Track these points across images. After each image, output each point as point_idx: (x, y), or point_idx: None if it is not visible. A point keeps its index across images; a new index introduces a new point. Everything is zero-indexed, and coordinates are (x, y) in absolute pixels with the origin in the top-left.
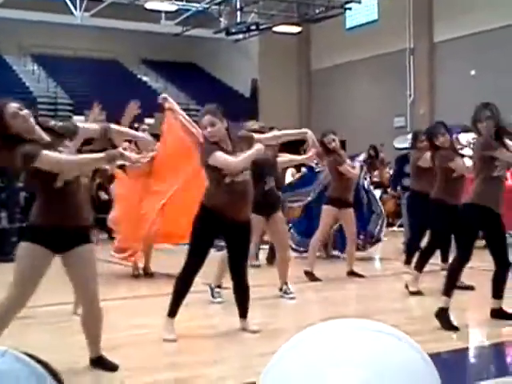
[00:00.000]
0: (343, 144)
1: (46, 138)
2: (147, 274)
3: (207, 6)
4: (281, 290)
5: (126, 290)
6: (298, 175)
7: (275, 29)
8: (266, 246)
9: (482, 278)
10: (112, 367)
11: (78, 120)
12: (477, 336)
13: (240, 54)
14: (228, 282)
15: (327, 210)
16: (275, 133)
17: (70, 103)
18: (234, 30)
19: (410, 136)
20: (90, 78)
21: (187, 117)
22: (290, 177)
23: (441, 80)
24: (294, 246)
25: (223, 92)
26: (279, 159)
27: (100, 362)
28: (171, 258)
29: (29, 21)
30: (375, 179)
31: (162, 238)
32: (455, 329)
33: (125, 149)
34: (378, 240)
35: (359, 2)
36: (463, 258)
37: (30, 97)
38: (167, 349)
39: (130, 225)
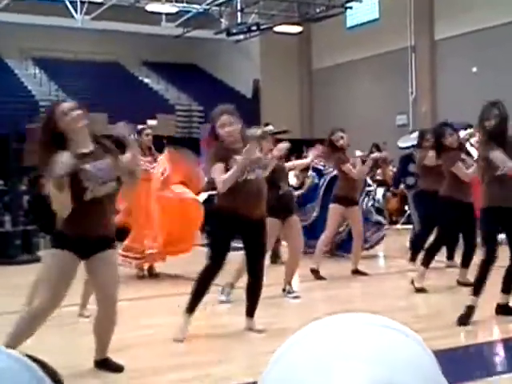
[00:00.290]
0: None
1: (90, 147)
2: (152, 274)
3: (208, 7)
4: (284, 290)
5: (132, 291)
6: (302, 180)
7: (276, 29)
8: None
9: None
10: (117, 368)
11: None
12: (483, 332)
13: (241, 55)
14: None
15: (334, 209)
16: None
17: None
18: (234, 31)
19: (413, 135)
20: (92, 81)
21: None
22: (293, 178)
23: (442, 78)
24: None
25: (225, 93)
26: (285, 164)
27: (105, 364)
28: (176, 259)
29: (30, 24)
30: (378, 177)
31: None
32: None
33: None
34: (372, 245)
35: (360, 1)
36: (490, 259)
37: (32, 100)
38: (173, 349)
39: (136, 226)
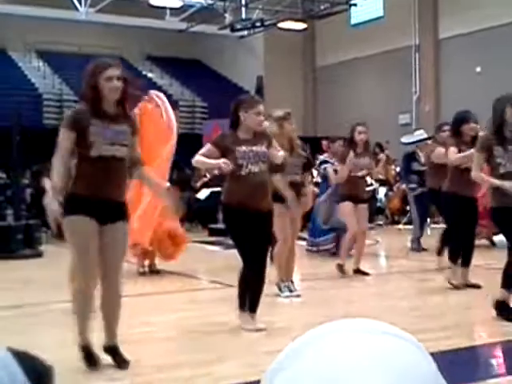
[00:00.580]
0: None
1: (113, 109)
2: (153, 271)
3: (212, 2)
4: (280, 289)
5: (132, 288)
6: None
7: (280, 25)
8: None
9: (487, 276)
10: (122, 362)
11: None
12: (485, 334)
13: (245, 51)
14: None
15: (344, 207)
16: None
17: (75, 100)
18: (238, 27)
19: (416, 133)
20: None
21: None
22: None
23: (446, 77)
24: (308, 247)
25: (228, 88)
26: None
27: (113, 353)
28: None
29: (33, 17)
30: (380, 176)
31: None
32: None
33: None
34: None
35: None
36: None
37: (36, 93)
38: (173, 347)
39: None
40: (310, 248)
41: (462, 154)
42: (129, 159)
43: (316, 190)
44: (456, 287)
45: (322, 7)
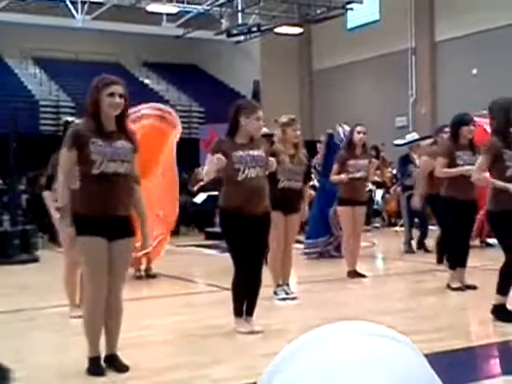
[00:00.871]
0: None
1: (113, 127)
2: (149, 275)
3: (208, 7)
4: (275, 293)
5: (129, 292)
6: None
7: (276, 30)
8: None
9: (483, 277)
10: (122, 368)
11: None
12: (480, 335)
13: (241, 56)
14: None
15: (342, 211)
16: None
17: (72, 106)
18: (235, 32)
19: (408, 135)
20: (92, 80)
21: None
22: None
23: (442, 79)
24: (306, 250)
25: (225, 93)
26: None
27: (112, 361)
28: (173, 259)
29: (30, 24)
30: (376, 179)
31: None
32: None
33: None
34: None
35: (361, 2)
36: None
37: (32, 100)
38: (169, 350)
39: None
40: (306, 251)
41: (446, 170)
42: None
43: (313, 193)
44: (457, 289)
45: (319, 11)
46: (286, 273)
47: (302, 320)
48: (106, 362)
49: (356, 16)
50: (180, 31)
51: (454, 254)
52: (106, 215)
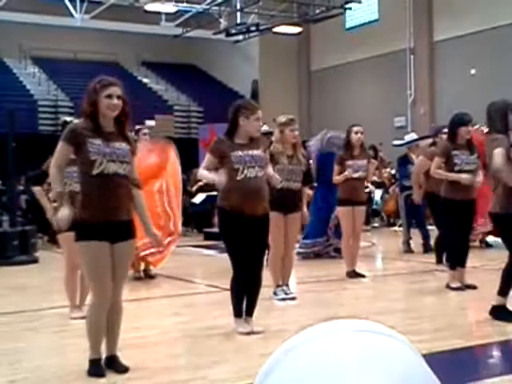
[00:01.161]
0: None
1: (111, 127)
2: (148, 276)
3: (207, 7)
4: (275, 293)
5: (127, 293)
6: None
7: (275, 29)
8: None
9: (483, 277)
10: (123, 370)
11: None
12: (480, 334)
13: (240, 55)
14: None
15: (342, 212)
16: None
17: (70, 106)
18: (233, 31)
19: (407, 136)
20: (91, 81)
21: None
22: None
23: (441, 79)
24: (301, 250)
25: (223, 93)
26: None
27: (113, 362)
28: (172, 260)
29: (29, 24)
30: (375, 179)
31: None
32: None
33: None
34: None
35: (359, 2)
36: None
37: (31, 100)
38: (168, 351)
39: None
40: (300, 250)
41: (441, 172)
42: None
43: (311, 192)
44: (457, 289)
45: (317, 11)
46: (286, 273)
47: (301, 320)
48: (105, 364)
49: (355, 15)
50: (179, 31)
51: (453, 253)
52: (108, 220)
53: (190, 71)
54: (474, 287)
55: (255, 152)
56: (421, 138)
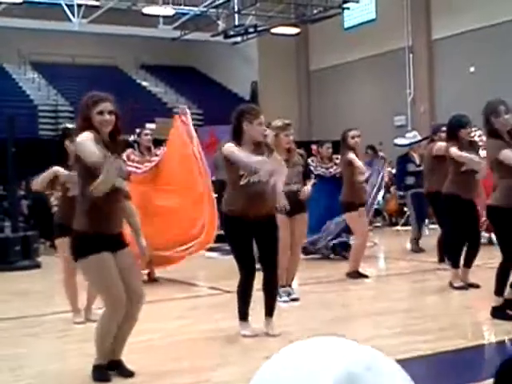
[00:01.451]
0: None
1: (105, 150)
2: (151, 279)
3: (205, 9)
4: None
5: None
6: None
7: (273, 30)
8: None
9: (486, 276)
10: (126, 373)
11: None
12: (484, 334)
13: (239, 57)
14: (228, 286)
15: (351, 217)
16: None
17: (70, 110)
18: (232, 33)
19: (408, 134)
20: (90, 85)
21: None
22: None
23: (440, 77)
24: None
25: (223, 95)
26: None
27: (118, 366)
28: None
29: (27, 29)
30: None
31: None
32: None
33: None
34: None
35: (357, 2)
36: (509, 259)
37: (31, 105)
38: (172, 354)
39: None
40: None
41: (463, 154)
42: None
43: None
44: (460, 288)
45: (315, 11)
46: (290, 274)
47: (304, 321)
48: (109, 368)
49: (352, 15)
50: (177, 33)
51: (455, 252)
52: (109, 233)
53: (189, 74)
54: (476, 286)
55: (260, 158)
56: (424, 139)
